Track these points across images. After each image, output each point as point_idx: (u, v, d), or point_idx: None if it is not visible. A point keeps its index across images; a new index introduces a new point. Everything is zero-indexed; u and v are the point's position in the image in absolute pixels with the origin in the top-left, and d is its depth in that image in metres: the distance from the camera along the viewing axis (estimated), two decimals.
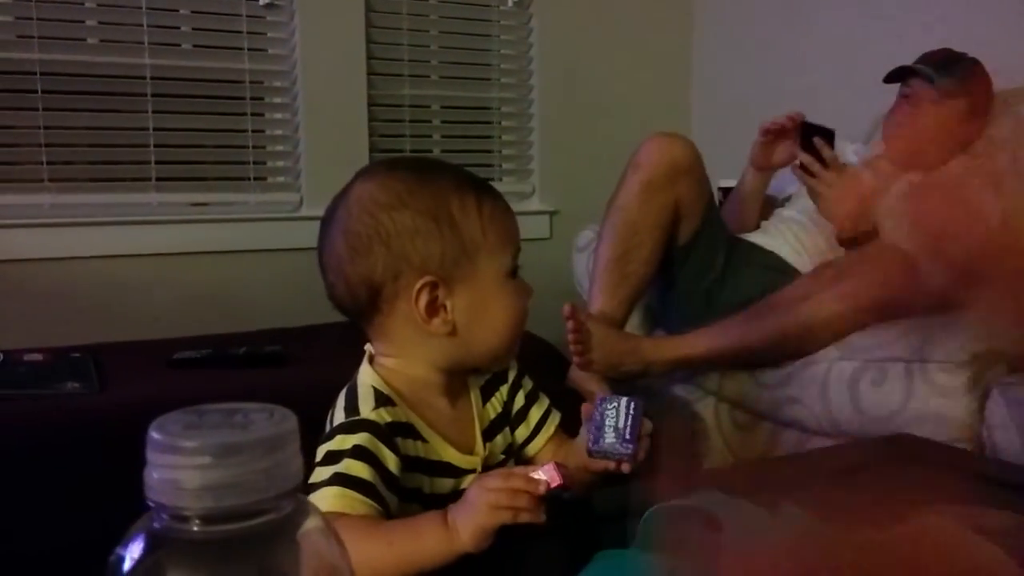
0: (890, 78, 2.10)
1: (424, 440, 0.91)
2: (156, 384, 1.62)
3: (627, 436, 0.89)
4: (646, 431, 0.92)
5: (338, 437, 0.85)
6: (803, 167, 1.90)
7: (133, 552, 0.33)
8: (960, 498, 0.97)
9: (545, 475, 0.79)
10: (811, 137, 1.90)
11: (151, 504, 0.33)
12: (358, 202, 0.91)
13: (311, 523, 0.37)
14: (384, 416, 0.88)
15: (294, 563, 0.35)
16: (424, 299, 0.89)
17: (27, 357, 1.71)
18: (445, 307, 0.90)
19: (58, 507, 1.38)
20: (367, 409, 0.88)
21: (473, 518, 0.78)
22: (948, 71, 2.03)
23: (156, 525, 0.33)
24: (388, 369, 0.93)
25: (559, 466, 0.81)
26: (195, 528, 0.33)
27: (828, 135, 1.92)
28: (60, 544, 1.35)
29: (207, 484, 0.32)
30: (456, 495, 0.90)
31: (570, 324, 1.73)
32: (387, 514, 0.83)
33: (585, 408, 0.94)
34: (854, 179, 1.94)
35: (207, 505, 0.33)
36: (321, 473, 0.83)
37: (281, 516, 0.34)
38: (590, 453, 0.91)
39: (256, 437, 0.33)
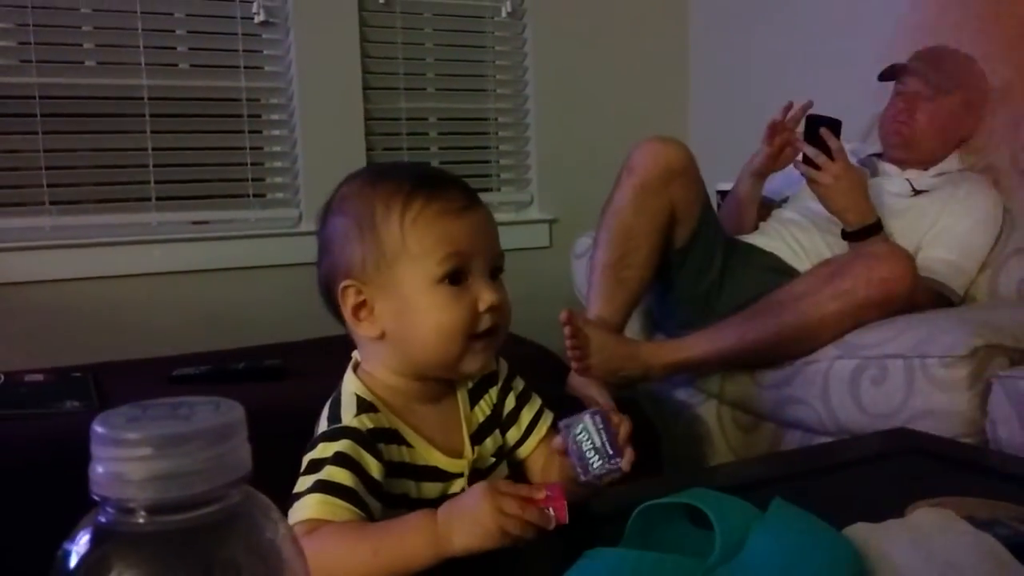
0: (884, 76, 2.10)
1: (409, 445, 0.91)
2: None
3: (610, 452, 0.87)
4: (625, 435, 0.90)
5: (320, 445, 0.85)
6: (807, 160, 1.87)
7: (79, 547, 0.33)
8: (958, 490, 0.96)
9: (556, 511, 0.79)
10: (817, 129, 1.88)
11: (96, 498, 0.33)
12: (324, 207, 0.96)
13: (269, 519, 0.37)
14: (366, 422, 0.88)
15: (244, 552, 0.34)
16: (351, 302, 0.91)
17: (28, 378, 1.71)
18: (373, 311, 0.91)
19: (59, 526, 1.38)
20: (349, 416, 0.88)
21: (478, 536, 0.77)
22: (942, 68, 2.02)
23: (102, 519, 0.33)
24: (370, 376, 0.94)
25: (563, 491, 0.80)
26: (141, 520, 0.33)
27: (835, 126, 1.88)
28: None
29: (150, 475, 0.32)
30: (444, 500, 0.90)
31: (567, 330, 1.73)
32: (370, 520, 0.83)
33: (557, 444, 0.91)
34: (860, 171, 1.93)
35: (151, 496, 0.32)
36: (304, 482, 0.83)
37: (229, 506, 0.34)
38: (583, 484, 0.89)
39: (199, 427, 0.33)
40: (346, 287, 0.91)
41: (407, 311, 0.90)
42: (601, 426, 0.88)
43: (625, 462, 0.88)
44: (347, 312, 0.91)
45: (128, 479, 0.32)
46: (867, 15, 2.53)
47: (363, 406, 0.89)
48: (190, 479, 0.33)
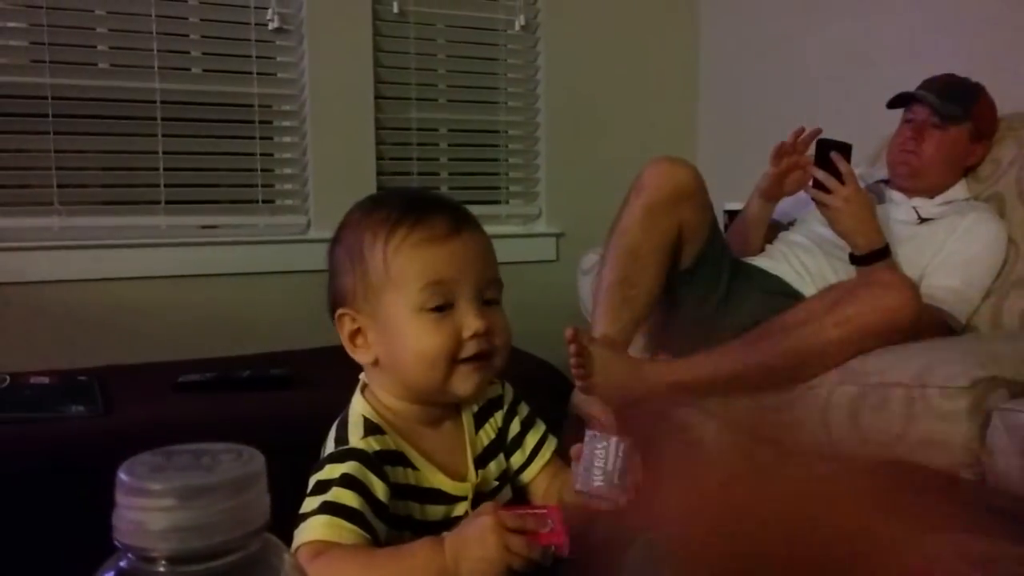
0: (893, 103, 2.10)
1: (415, 468, 0.93)
2: (161, 408, 1.63)
3: (616, 480, 0.90)
4: (635, 480, 0.91)
5: (328, 467, 0.87)
6: (817, 184, 1.88)
7: None
8: (952, 525, 0.97)
9: (557, 548, 0.81)
10: (827, 152, 1.89)
11: (118, 545, 0.34)
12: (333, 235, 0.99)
13: (283, 562, 0.38)
14: (373, 444, 0.89)
15: None
16: (347, 329, 0.94)
17: (33, 380, 1.72)
18: (367, 338, 0.94)
19: (62, 530, 1.39)
20: (356, 438, 0.90)
21: (485, 571, 0.79)
22: (951, 96, 2.03)
23: (123, 565, 0.34)
24: (376, 399, 0.95)
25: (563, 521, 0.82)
26: (161, 569, 0.34)
27: (845, 149, 1.89)
28: (65, 568, 1.36)
29: (172, 526, 0.33)
30: (448, 522, 0.91)
31: (572, 347, 1.73)
32: (376, 542, 0.84)
33: (575, 449, 0.94)
34: (869, 195, 1.94)
35: (173, 547, 0.33)
36: (311, 503, 0.85)
37: (248, 555, 0.35)
38: (577, 492, 0.92)
39: (221, 479, 0.34)
40: (341, 315, 0.94)
41: (394, 338, 0.92)
42: (621, 455, 0.90)
43: (623, 498, 0.90)
44: (344, 339, 0.95)
45: (150, 529, 0.33)
46: (878, 41, 2.54)
47: (370, 428, 0.91)
48: (211, 530, 0.34)
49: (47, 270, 2.31)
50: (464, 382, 0.93)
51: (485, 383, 0.96)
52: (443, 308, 0.91)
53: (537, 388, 1.11)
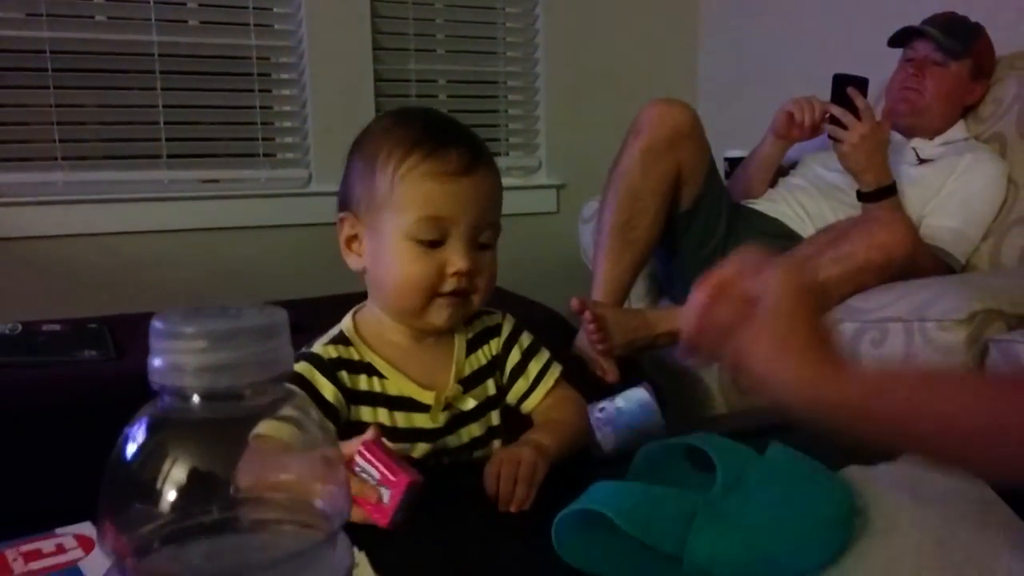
0: (895, 38, 2.10)
1: (383, 376, 0.98)
2: None
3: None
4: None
5: None
6: (834, 120, 1.88)
7: (138, 433, 0.37)
8: None
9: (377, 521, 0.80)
10: (844, 88, 1.88)
11: (155, 388, 0.37)
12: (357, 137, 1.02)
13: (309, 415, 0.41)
14: (331, 352, 0.96)
15: None
16: (345, 232, 0.98)
17: (45, 327, 1.74)
18: (361, 246, 0.97)
19: (76, 469, 1.41)
20: (319, 345, 0.97)
21: None
22: (953, 32, 2.03)
23: (160, 406, 0.37)
24: (366, 311, 1.01)
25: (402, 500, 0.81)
26: (195, 406, 0.36)
27: (862, 84, 1.89)
28: (77, 506, 1.39)
29: (205, 365, 0.36)
30: (414, 432, 0.98)
31: (587, 315, 1.75)
32: None
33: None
34: (884, 131, 1.93)
35: (205, 384, 0.36)
36: None
37: (274, 399, 0.37)
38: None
39: (249, 325, 0.37)
40: (343, 218, 0.98)
41: (382, 256, 0.95)
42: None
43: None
44: (341, 240, 0.99)
45: (185, 369, 0.36)
46: None
47: (337, 339, 0.98)
48: (240, 371, 0.36)
49: (51, 224, 2.32)
50: (438, 314, 0.96)
51: (458, 316, 0.99)
52: (435, 242, 0.93)
53: (540, 333, 1.12)
